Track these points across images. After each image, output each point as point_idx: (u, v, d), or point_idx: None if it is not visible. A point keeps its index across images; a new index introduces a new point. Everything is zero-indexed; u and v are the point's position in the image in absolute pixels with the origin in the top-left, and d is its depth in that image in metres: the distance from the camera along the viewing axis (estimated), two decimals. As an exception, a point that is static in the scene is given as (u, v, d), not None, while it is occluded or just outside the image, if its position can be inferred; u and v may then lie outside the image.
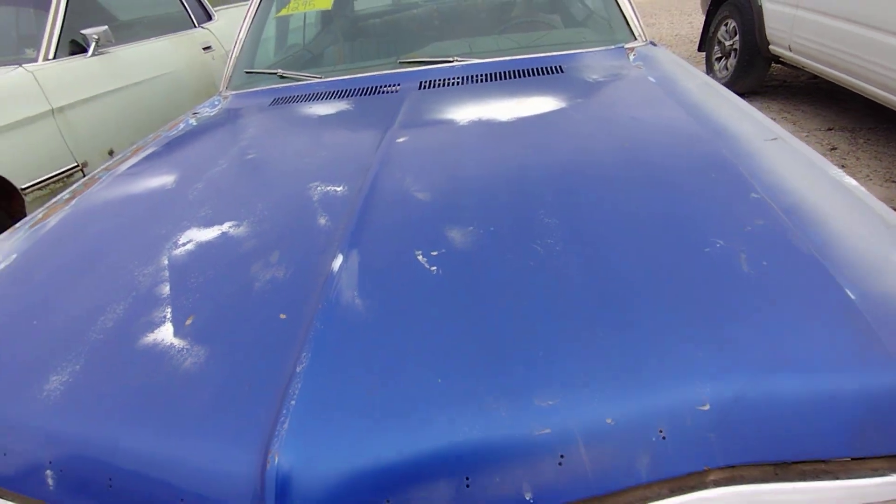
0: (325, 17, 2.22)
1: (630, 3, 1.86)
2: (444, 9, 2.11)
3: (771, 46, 3.63)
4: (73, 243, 1.09)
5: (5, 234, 1.23)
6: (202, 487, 0.60)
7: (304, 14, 2.23)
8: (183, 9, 3.58)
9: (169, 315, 0.82)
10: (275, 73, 1.96)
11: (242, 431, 0.61)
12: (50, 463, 0.68)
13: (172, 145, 1.57)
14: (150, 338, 0.78)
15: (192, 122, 1.77)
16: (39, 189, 2.49)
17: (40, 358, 0.79)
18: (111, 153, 2.84)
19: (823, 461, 0.60)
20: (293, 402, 0.62)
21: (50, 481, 0.67)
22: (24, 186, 2.41)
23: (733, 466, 0.60)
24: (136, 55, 3.05)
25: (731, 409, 0.60)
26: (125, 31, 3.08)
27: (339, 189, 1.08)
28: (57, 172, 2.56)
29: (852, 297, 0.68)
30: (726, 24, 4.13)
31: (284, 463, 0.57)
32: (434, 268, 0.82)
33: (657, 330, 0.67)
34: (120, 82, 2.90)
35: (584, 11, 2.06)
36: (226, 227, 1.03)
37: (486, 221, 0.91)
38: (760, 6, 3.63)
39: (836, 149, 3.12)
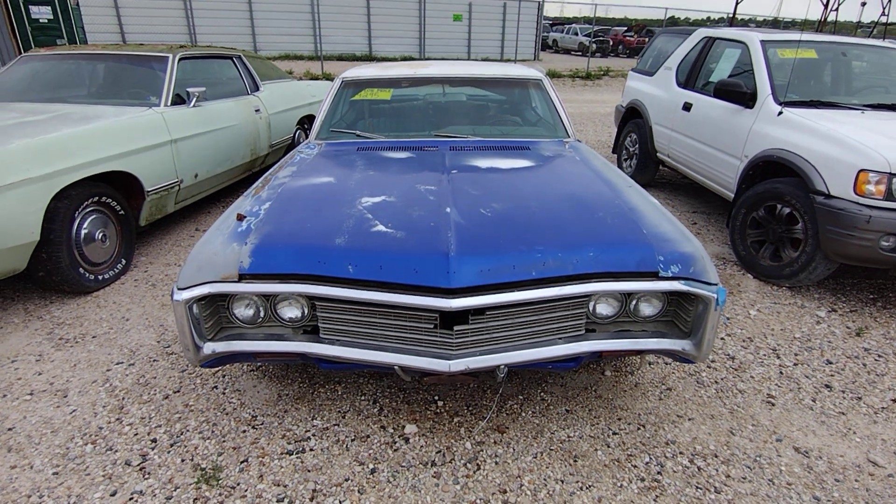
0: (382, 102, 3.46)
1: (568, 120, 3.26)
2: (457, 106, 3.43)
3: (658, 154, 5.26)
4: (302, 196, 2.20)
5: (239, 199, 2.30)
6: (422, 265, 1.72)
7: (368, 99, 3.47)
8: (242, 80, 4.76)
9: (380, 223, 1.95)
10: (354, 133, 3.15)
11: (437, 245, 1.76)
12: (349, 263, 1.77)
13: (308, 166, 2.68)
14: (377, 228, 1.91)
15: (306, 156, 2.89)
16: (155, 194, 3.46)
17: (328, 229, 1.89)
18: (196, 176, 3.86)
19: (633, 273, 1.81)
20: (452, 241, 1.78)
21: (350, 269, 1.76)
22: (148, 190, 3.38)
23: (601, 274, 1.80)
24: (216, 109, 4.16)
25: (601, 253, 1.81)
26: (208, 91, 4.19)
27: (433, 187, 2.27)
28: (165, 184, 3.54)
29: (644, 231, 1.94)
30: (631, 136, 5.81)
31: (455, 255, 1.72)
32: (489, 213, 2.01)
33: (575, 233, 1.89)
34: (207, 127, 3.98)
35: (542, 120, 3.44)
36: (383, 196, 2.18)
37: (507, 200, 2.13)
38: (651, 127, 5.30)
39: (696, 223, 4.65)
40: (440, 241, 1.82)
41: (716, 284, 1.82)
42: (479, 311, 1.78)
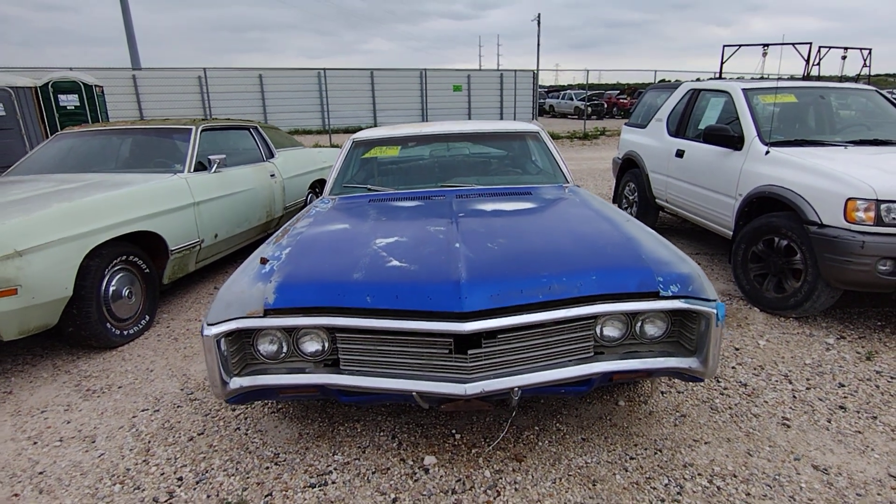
0: (391, 158, 3.70)
1: (566, 167, 3.47)
2: (461, 160, 3.65)
3: (656, 200, 5.45)
4: (320, 240, 2.35)
5: (263, 245, 2.46)
6: (435, 293, 1.84)
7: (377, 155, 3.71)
8: (258, 148, 5.08)
9: (395, 260, 2.08)
10: (366, 187, 3.36)
11: (448, 274, 1.89)
12: (367, 294, 1.89)
13: (323, 217, 2.86)
14: (391, 263, 2.04)
15: (321, 209, 3.08)
16: (178, 253, 3.64)
17: (347, 266, 2.02)
18: (216, 236, 4.05)
19: (635, 294, 1.92)
20: (462, 270, 1.90)
21: (368, 299, 1.88)
22: (172, 249, 3.56)
23: (605, 296, 1.91)
24: (235, 175, 4.43)
25: (603, 277, 1.93)
26: (228, 159, 4.48)
27: (442, 228, 2.42)
28: (187, 244, 3.73)
29: (643, 256, 2.06)
30: (629, 185, 6.03)
31: (465, 281, 1.84)
32: (495, 247, 2.15)
33: (578, 260, 2.02)
34: (226, 191, 4.22)
35: (542, 168, 3.65)
36: (395, 237, 2.33)
37: (511, 235, 2.27)
38: (648, 175, 5.52)
39: (700, 264, 4.75)
40: (451, 270, 1.95)
41: (714, 300, 1.91)
42: (492, 334, 1.87)
